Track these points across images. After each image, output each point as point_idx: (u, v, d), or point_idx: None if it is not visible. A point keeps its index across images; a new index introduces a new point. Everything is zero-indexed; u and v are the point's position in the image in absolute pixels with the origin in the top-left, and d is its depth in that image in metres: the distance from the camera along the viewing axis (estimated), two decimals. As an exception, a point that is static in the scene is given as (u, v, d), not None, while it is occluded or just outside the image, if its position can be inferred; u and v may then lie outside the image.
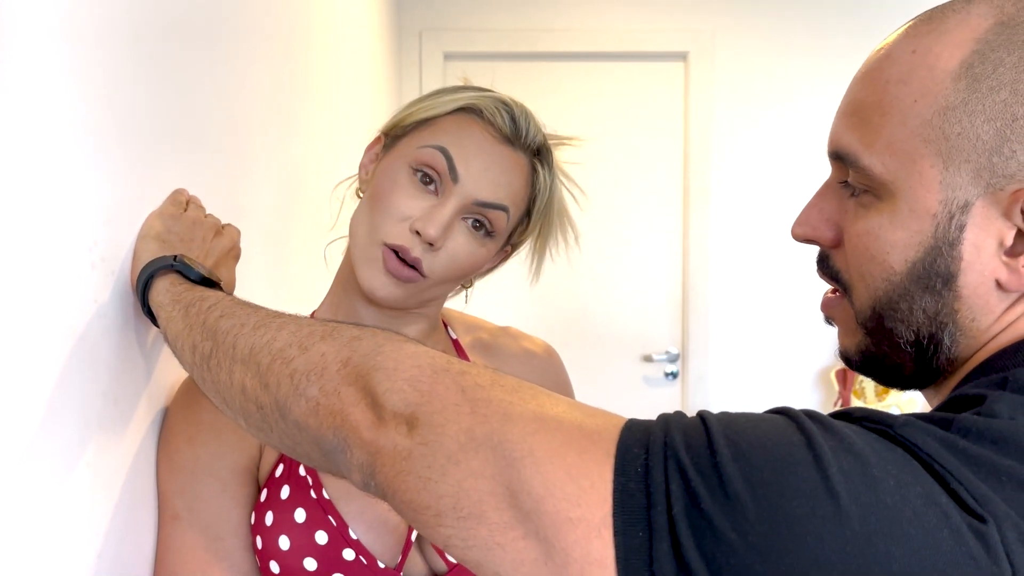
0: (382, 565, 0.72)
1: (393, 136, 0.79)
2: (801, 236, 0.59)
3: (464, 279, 0.80)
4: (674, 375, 2.77)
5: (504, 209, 0.74)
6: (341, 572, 0.71)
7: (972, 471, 0.40)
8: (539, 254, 0.83)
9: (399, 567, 0.72)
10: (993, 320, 0.51)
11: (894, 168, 0.51)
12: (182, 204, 0.73)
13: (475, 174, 0.73)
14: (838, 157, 0.55)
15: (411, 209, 0.72)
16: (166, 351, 0.75)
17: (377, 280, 0.72)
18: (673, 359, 2.76)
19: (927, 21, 0.52)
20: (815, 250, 0.60)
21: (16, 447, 0.50)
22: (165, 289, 0.64)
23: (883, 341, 0.55)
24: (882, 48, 0.54)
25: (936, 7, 0.53)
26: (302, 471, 0.73)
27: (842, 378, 2.62)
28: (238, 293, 0.76)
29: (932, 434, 0.41)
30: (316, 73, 1.45)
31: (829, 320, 0.61)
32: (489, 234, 0.75)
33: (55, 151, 0.54)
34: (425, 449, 0.45)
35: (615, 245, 2.74)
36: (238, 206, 0.97)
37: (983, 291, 0.51)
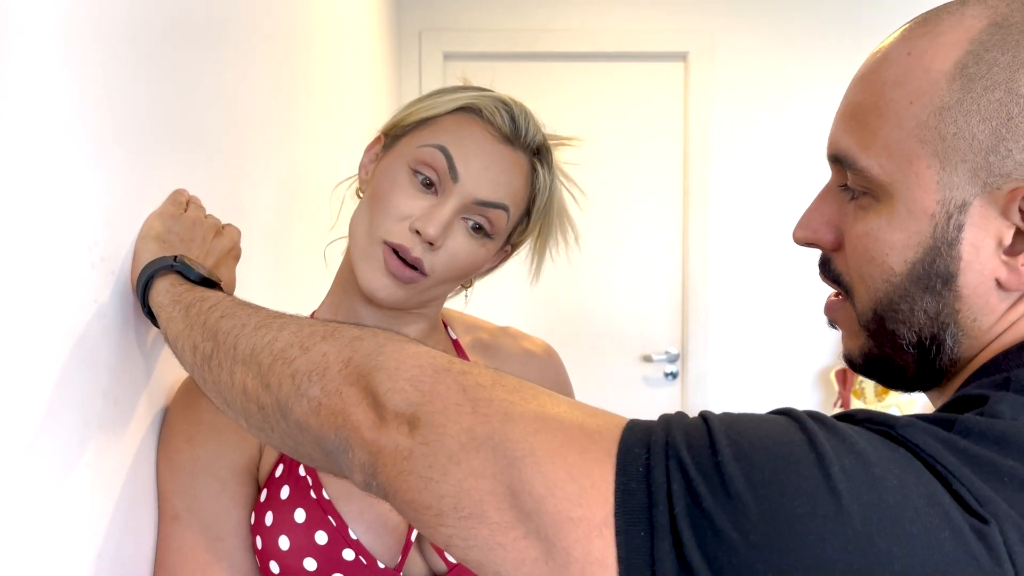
0: (382, 565, 0.72)
1: (393, 136, 0.79)
2: (802, 240, 0.59)
3: (464, 279, 0.80)
4: (674, 375, 2.77)
5: (504, 208, 0.74)
6: (341, 572, 0.71)
7: (974, 472, 0.40)
8: (539, 254, 0.83)
9: (399, 567, 0.72)
10: (995, 320, 0.51)
11: (891, 170, 0.51)
12: (182, 204, 0.73)
13: (475, 173, 0.73)
14: (837, 160, 0.56)
15: (411, 208, 0.72)
16: (166, 351, 0.75)
17: (378, 281, 0.72)
18: (673, 359, 2.76)
19: (922, 23, 0.53)
20: (815, 251, 0.60)
21: (16, 447, 0.50)
22: (165, 290, 0.64)
23: (885, 343, 0.55)
24: (879, 51, 0.55)
25: (932, 9, 0.53)
26: (302, 471, 0.73)
27: (842, 378, 2.63)
28: (238, 293, 0.76)
29: (934, 435, 0.41)
30: (316, 73, 1.45)
31: (833, 324, 0.61)
32: (489, 235, 0.75)
33: (55, 151, 0.54)
34: (426, 449, 0.45)
35: (615, 245, 2.74)
36: (238, 206, 0.97)
37: (983, 291, 0.51)
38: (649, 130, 2.75)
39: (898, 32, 0.54)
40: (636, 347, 2.77)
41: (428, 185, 0.73)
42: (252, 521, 0.73)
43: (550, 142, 0.80)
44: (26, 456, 0.51)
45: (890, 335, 0.54)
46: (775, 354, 2.73)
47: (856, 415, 0.44)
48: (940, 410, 0.47)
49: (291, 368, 0.52)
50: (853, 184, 0.54)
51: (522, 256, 0.84)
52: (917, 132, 0.50)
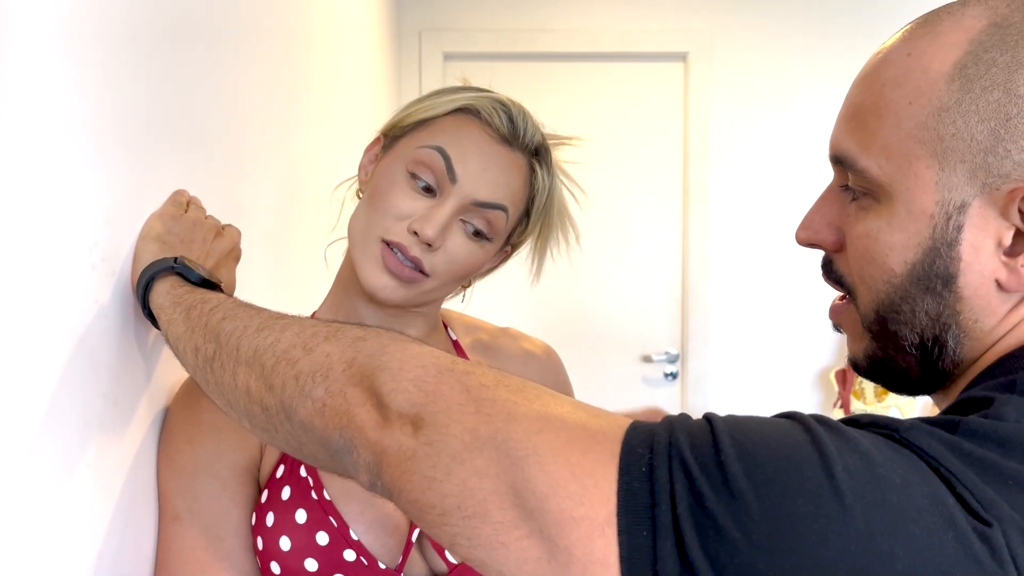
0: (383, 566, 0.71)
1: (392, 137, 0.79)
2: (804, 240, 0.59)
3: (464, 279, 0.80)
4: (674, 375, 2.77)
5: (503, 209, 0.74)
6: (342, 573, 0.71)
7: (977, 474, 0.40)
8: (539, 254, 0.83)
9: (400, 568, 0.72)
10: (996, 322, 0.51)
11: (890, 170, 0.51)
12: (183, 205, 0.73)
13: (473, 174, 0.73)
14: (838, 161, 0.56)
15: (410, 208, 0.72)
16: (166, 352, 0.75)
17: (379, 281, 0.72)
18: (673, 359, 2.76)
19: (923, 24, 0.53)
20: (815, 251, 0.60)
21: (17, 448, 0.50)
22: (166, 291, 0.64)
23: (888, 345, 0.55)
24: (880, 52, 0.55)
25: (933, 10, 0.53)
26: (303, 472, 0.73)
27: (841, 379, 2.63)
28: (238, 294, 0.76)
29: (938, 437, 0.41)
30: (316, 73, 1.45)
31: (838, 327, 0.61)
32: (488, 236, 0.75)
33: (55, 151, 0.54)
34: (430, 449, 0.45)
35: (615, 245, 2.74)
36: (238, 206, 0.97)
37: (984, 292, 0.51)
38: (649, 130, 2.75)
39: (899, 33, 0.54)
40: (636, 347, 2.77)
41: (427, 190, 0.73)
42: (253, 522, 0.73)
43: (549, 142, 0.80)
44: (27, 457, 0.51)
45: (892, 336, 0.54)
46: (775, 354, 2.73)
47: (860, 419, 0.44)
48: (945, 412, 0.47)
49: (295, 369, 0.52)
50: (854, 185, 0.55)
51: (522, 256, 0.84)
52: (916, 133, 0.50)
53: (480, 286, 0.87)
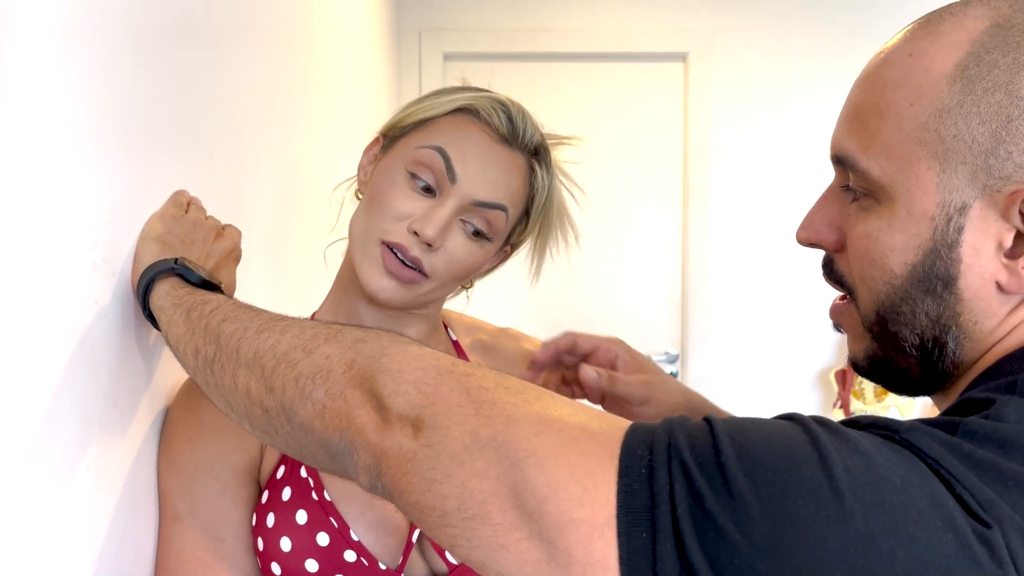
0: (383, 567, 0.71)
1: (391, 137, 0.79)
2: (805, 240, 0.59)
3: (464, 279, 0.80)
4: (673, 376, 2.77)
5: (502, 209, 0.74)
6: (342, 573, 0.71)
7: (978, 475, 0.40)
8: (539, 254, 0.83)
9: (400, 568, 0.72)
10: (997, 323, 0.51)
11: (891, 171, 0.51)
12: (183, 205, 0.73)
13: (473, 174, 0.73)
14: (839, 161, 0.56)
15: (409, 209, 0.72)
16: (166, 352, 0.75)
17: (379, 282, 0.72)
18: (672, 359, 2.76)
19: (925, 24, 0.53)
20: (814, 251, 0.60)
21: (17, 448, 0.50)
22: (166, 293, 0.64)
23: (889, 345, 0.55)
24: (881, 52, 0.55)
25: (935, 11, 0.53)
26: (303, 473, 0.73)
27: (841, 379, 2.63)
28: (238, 295, 0.76)
29: (938, 438, 0.41)
30: (316, 73, 1.45)
31: (838, 327, 0.61)
32: (487, 237, 0.75)
33: (55, 151, 0.54)
34: (430, 451, 0.45)
35: (615, 245, 2.74)
36: (238, 207, 0.97)
37: (984, 293, 0.51)
38: (649, 130, 2.75)
39: (901, 33, 0.54)
40: (636, 347, 2.76)
41: (427, 190, 0.73)
42: (253, 522, 0.73)
43: (549, 141, 0.80)
44: (27, 457, 0.51)
45: (893, 337, 0.54)
46: (774, 355, 2.73)
47: (860, 421, 0.44)
48: (945, 413, 0.47)
49: (295, 371, 0.52)
50: (855, 185, 0.55)
51: (522, 256, 0.84)
52: (917, 134, 0.50)
53: (480, 286, 0.87)
